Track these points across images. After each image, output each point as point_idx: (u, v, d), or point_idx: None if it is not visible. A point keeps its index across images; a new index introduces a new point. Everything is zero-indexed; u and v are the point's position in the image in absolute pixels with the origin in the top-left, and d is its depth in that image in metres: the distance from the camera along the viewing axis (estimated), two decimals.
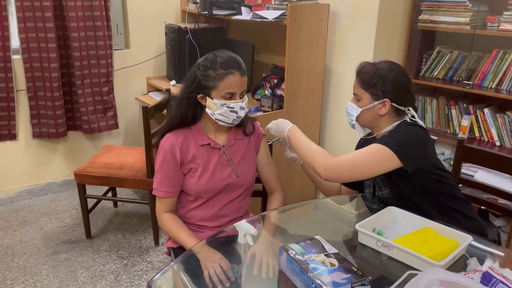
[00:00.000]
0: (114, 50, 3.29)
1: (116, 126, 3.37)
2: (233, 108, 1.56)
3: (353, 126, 1.68)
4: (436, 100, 2.74)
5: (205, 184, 1.63)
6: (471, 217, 1.61)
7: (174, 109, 1.65)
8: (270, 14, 2.59)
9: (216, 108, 1.56)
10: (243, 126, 1.72)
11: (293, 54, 2.61)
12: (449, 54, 2.65)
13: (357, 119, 1.63)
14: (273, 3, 2.70)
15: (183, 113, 1.62)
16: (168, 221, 1.65)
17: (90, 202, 2.84)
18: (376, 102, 1.57)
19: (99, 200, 2.98)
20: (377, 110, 1.59)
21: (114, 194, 3.08)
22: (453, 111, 2.66)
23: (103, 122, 3.31)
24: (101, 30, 3.10)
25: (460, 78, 2.62)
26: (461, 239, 1.31)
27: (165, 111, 2.81)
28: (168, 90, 2.83)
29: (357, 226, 1.38)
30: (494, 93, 2.40)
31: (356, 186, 1.82)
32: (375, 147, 1.49)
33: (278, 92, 2.82)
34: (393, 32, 2.67)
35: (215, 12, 3.04)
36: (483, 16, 2.44)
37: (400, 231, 1.42)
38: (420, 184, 1.54)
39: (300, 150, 1.60)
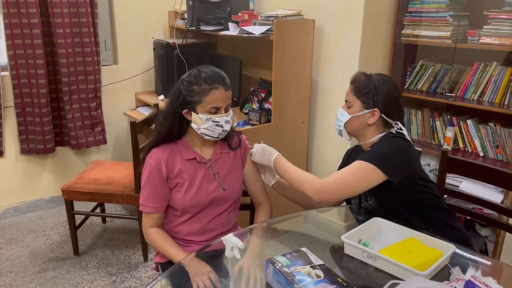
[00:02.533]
0: (102, 65, 3.31)
1: (104, 141, 3.37)
2: (219, 122, 1.58)
3: (340, 132, 1.72)
4: (421, 112, 2.79)
5: (191, 199, 1.64)
6: (455, 227, 1.64)
7: (159, 125, 1.66)
8: (257, 30, 2.63)
9: (202, 123, 1.58)
10: (229, 140, 1.73)
11: (280, 68, 2.64)
12: (432, 67, 2.71)
13: (345, 125, 1.67)
14: (259, 18, 2.74)
15: (169, 128, 1.63)
16: (155, 235, 1.65)
17: (78, 219, 2.82)
18: (366, 111, 1.61)
19: (87, 216, 2.96)
20: (366, 119, 1.62)
21: (103, 210, 3.06)
22: (438, 123, 2.71)
23: (91, 138, 3.31)
24: (89, 46, 3.12)
25: (443, 91, 2.68)
26: (445, 249, 1.33)
27: (153, 125, 2.82)
28: (156, 105, 2.84)
29: (343, 238, 1.39)
30: (476, 105, 2.45)
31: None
32: (359, 164, 1.52)
33: (266, 105, 2.85)
34: (377, 46, 2.73)
35: (203, 28, 3.08)
36: (464, 30, 2.50)
37: (385, 241, 1.43)
38: (405, 194, 1.56)
39: (288, 178, 1.64)
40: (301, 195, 1.78)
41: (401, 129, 1.63)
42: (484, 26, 2.37)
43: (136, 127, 2.48)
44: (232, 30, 2.90)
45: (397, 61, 2.76)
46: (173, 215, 1.70)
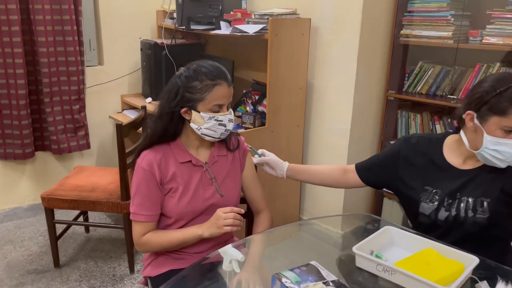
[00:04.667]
0: (87, 66, 3.14)
1: (87, 146, 3.19)
2: (222, 121, 1.46)
3: None
4: (420, 116, 2.69)
5: (186, 205, 1.50)
6: None
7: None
8: (251, 28, 2.51)
9: (203, 122, 1.44)
10: (227, 141, 1.60)
11: (275, 69, 2.52)
12: (432, 68, 2.62)
13: None
14: (253, 17, 2.62)
15: (164, 129, 1.49)
16: (152, 237, 1.49)
17: (60, 228, 2.63)
18: None
19: (69, 226, 2.78)
20: None
21: (86, 219, 2.88)
22: (438, 126, 2.62)
23: (73, 142, 3.13)
24: (72, 45, 2.95)
25: (444, 93, 2.59)
26: (467, 261, 1.22)
27: (140, 129, 2.66)
28: (143, 108, 2.69)
29: (354, 249, 1.26)
30: None
31: (370, 181, 1.67)
32: None
33: (260, 108, 2.72)
34: (375, 47, 2.63)
35: (193, 27, 2.94)
36: (465, 30, 2.42)
37: (398, 253, 1.31)
38: None
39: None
40: (322, 175, 1.71)
41: None
42: (487, 26, 2.29)
43: (122, 130, 2.32)
44: (224, 29, 2.77)
45: (395, 62, 2.66)
46: (165, 223, 1.55)
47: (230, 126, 1.49)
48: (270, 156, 1.68)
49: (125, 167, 2.37)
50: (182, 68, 1.50)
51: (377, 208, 2.91)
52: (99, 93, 3.28)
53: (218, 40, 3.28)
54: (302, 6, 2.68)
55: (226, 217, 1.41)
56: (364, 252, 1.26)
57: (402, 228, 1.40)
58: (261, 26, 2.50)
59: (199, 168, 1.53)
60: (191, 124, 1.47)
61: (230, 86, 1.47)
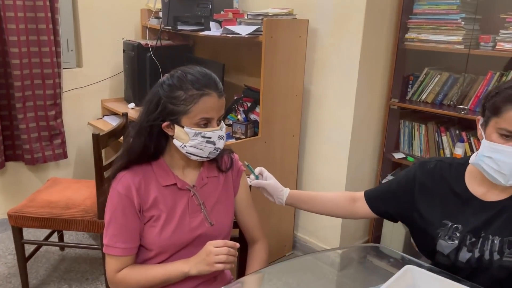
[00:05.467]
0: (64, 68, 2.89)
1: (64, 155, 2.93)
2: (210, 138, 1.22)
3: None
4: (425, 126, 2.50)
5: (170, 237, 1.26)
6: None
7: (131, 141, 1.28)
8: (244, 30, 2.29)
9: (188, 139, 1.21)
10: (218, 160, 1.37)
11: (269, 74, 2.31)
12: (439, 76, 2.43)
13: None
14: (245, 17, 2.40)
15: (143, 146, 1.25)
16: (128, 274, 1.26)
17: (31, 247, 2.38)
18: None
19: (40, 245, 2.52)
20: None
21: (61, 236, 2.62)
22: (444, 138, 2.43)
23: (49, 151, 2.87)
24: (48, 45, 2.70)
25: (452, 102, 2.40)
26: None
27: (121, 138, 2.42)
28: (125, 114, 2.45)
29: None
30: None
31: (383, 212, 1.46)
32: None
33: (252, 116, 2.50)
34: (378, 51, 2.43)
35: (180, 27, 2.71)
36: (476, 35, 2.24)
37: None
38: None
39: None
40: (327, 205, 1.50)
41: None
42: (501, 31, 2.11)
43: (99, 141, 2.08)
44: (214, 30, 2.55)
45: (399, 68, 2.46)
46: (144, 257, 1.31)
47: (221, 144, 1.26)
48: (269, 181, 1.45)
49: (102, 182, 2.13)
50: (166, 75, 1.27)
51: (377, 226, 2.71)
52: (77, 97, 3.02)
53: (207, 41, 3.05)
54: (299, 6, 2.47)
55: (218, 252, 1.18)
56: None
57: (422, 266, 1.19)
58: (254, 27, 2.29)
59: (186, 192, 1.30)
60: (174, 141, 1.24)
61: (221, 97, 1.24)
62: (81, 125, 3.08)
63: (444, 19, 2.27)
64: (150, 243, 1.27)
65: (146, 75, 2.95)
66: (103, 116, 3.11)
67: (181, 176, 1.31)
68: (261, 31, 2.25)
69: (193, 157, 1.25)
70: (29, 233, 2.84)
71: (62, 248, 2.73)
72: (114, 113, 3.07)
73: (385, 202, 1.42)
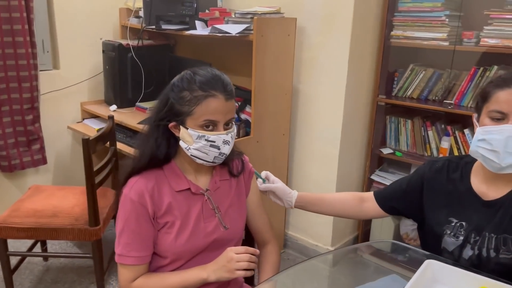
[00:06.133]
0: (40, 71, 2.76)
1: (44, 161, 2.81)
2: (214, 142, 1.18)
3: None
4: (411, 121, 2.55)
5: (185, 243, 1.23)
6: None
7: (141, 143, 1.24)
8: (233, 29, 2.26)
9: (192, 141, 1.18)
10: (229, 164, 1.34)
11: (260, 73, 2.29)
12: (424, 72, 2.49)
13: None
14: (233, 16, 2.38)
15: (153, 147, 1.22)
16: (145, 282, 1.22)
17: (15, 259, 2.26)
18: None
19: (24, 257, 2.40)
20: None
21: (44, 248, 2.51)
22: (430, 133, 2.49)
23: (27, 157, 2.74)
24: (23, 46, 2.57)
25: (437, 97, 2.46)
26: None
27: (108, 143, 2.34)
28: (111, 118, 2.37)
29: None
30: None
31: (393, 209, 1.48)
32: None
33: (243, 116, 2.48)
34: (366, 49, 2.46)
35: (165, 26, 2.65)
36: (460, 32, 2.30)
37: None
38: None
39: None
40: (337, 206, 1.51)
41: None
42: (485, 27, 2.17)
43: (89, 145, 2.00)
44: (201, 30, 2.50)
45: (386, 65, 2.50)
46: (158, 264, 1.27)
47: (226, 149, 1.21)
48: (277, 184, 1.44)
49: (93, 188, 2.05)
50: (178, 75, 1.23)
51: (366, 221, 2.75)
52: (55, 100, 2.90)
53: (189, 41, 3.00)
54: (285, 4, 2.46)
55: (240, 259, 1.15)
56: None
57: (442, 261, 1.21)
58: (244, 26, 2.26)
59: (200, 196, 1.27)
60: (180, 143, 1.21)
61: (230, 100, 1.18)
62: (59, 129, 2.96)
63: (429, 17, 2.32)
64: (165, 250, 1.23)
65: (127, 76, 2.87)
66: (83, 119, 3.00)
67: (194, 180, 1.27)
68: (251, 30, 2.23)
69: (198, 161, 1.22)
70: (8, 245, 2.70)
71: (46, 259, 2.62)
72: (95, 116, 2.96)
73: (395, 201, 1.45)
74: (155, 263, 1.27)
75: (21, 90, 2.64)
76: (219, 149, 1.20)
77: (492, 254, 1.23)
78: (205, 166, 1.26)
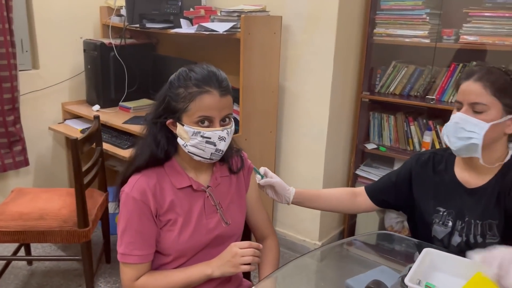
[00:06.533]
0: (20, 71, 2.69)
1: (26, 163, 2.74)
2: (210, 138, 1.18)
3: (469, 149, 1.26)
4: (393, 117, 2.62)
5: (188, 240, 1.23)
6: None
7: (141, 141, 1.24)
8: (220, 27, 2.26)
9: (188, 138, 1.19)
10: (228, 161, 1.35)
11: (248, 71, 2.30)
12: (406, 68, 2.56)
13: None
14: (219, 14, 2.38)
15: (152, 145, 1.22)
16: (148, 281, 1.22)
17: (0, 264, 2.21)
18: (509, 116, 1.24)
19: (9, 261, 2.34)
20: (504, 128, 1.26)
21: (28, 250, 2.46)
22: (413, 128, 2.56)
23: (8, 159, 2.67)
24: (4, 46, 2.50)
25: (418, 93, 2.53)
26: None
27: (94, 144, 2.31)
28: (96, 118, 2.33)
29: (407, 281, 1.08)
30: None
31: (384, 203, 1.53)
32: None
33: None
34: (350, 47, 2.51)
35: (149, 25, 2.63)
36: (441, 30, 2.37)
37: (445, 280, 1.16)
38: None
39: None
40: (332, 201, 1.54)
41: None
42: (464, 25, 2.25)
43: (77, 146, 1.97)
44: (186, 28, 2.49)
45: (369, 62, 2.56)
46: (160, 262, 1.27)
47: (222, 146, 1.21)
48: (276, 179, 1.45)
49: (82, 189, 2.02)
50: (176, 72, 1.24)
51: (351, 214, 2.80)
52: (35, 101, 2.83)
53: (172, 40, 2.98)
54: (270, 2, 2.48)
55: (244, 253, 1.17)
56: (413, 283, 1.09)
57: (439, 249, 1.26)
58: (231, 24, 2.27)
59: (201, 193, 1.27)
60: (178, 140, 1.22)
61: (225, 96, 1.19)
62: (40, 130, 2.89)
63: (410, 15, 2.39)
64: (168, 247, 1.24)
65: (110, 75, 2.83)
66: (65, 120, 2.94)
67: (195, 177, 1.28)
68: (238, 28, 2.24)
69: (196, 158, 1.22)
70: None
71: (30, 263, 2.56)
72: (77, 116, 2.91)
73: (385, 194, 1.50)
74: (157, 261, 1.27)
75: (2, 91, 2.57)
76: (215, 145, 1.20)
77: (479, 239, 1.30)
78: (204, 163, 1.27)
